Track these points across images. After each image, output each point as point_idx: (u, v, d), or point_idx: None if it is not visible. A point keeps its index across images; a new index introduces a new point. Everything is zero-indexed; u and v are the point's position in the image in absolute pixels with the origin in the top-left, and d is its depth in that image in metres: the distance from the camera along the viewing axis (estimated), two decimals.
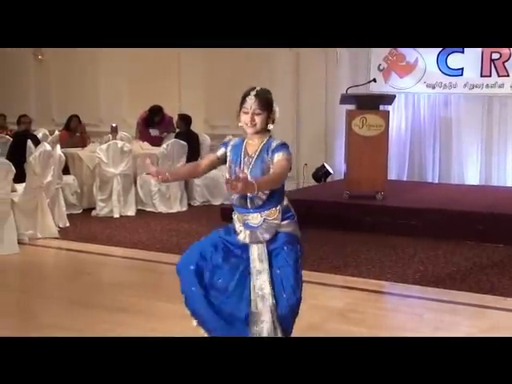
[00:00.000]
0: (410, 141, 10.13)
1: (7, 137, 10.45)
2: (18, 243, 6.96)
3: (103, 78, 12.52)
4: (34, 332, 4.57)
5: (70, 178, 8.91)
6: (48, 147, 7.58)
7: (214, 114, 11.41)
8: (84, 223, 8.31)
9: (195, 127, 10.28)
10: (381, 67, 10.02)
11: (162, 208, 9.19)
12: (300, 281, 3.53)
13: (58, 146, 8.27)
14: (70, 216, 8.27)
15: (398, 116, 10.06)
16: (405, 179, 10.08)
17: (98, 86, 12.63)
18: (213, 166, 3.67)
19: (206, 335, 3.61)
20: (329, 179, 10.19)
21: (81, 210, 9.01)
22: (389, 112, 8.41)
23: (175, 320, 4.54)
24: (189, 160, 9.44)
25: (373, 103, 8.22)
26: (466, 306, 5.17)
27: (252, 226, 3.51)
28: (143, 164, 3.59)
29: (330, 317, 4.86)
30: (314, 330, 4.52)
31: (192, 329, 3.62)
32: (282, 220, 3.52)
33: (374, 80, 9.17)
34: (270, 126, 3.51)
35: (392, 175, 9.76)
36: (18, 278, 6.38)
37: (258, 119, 3.44)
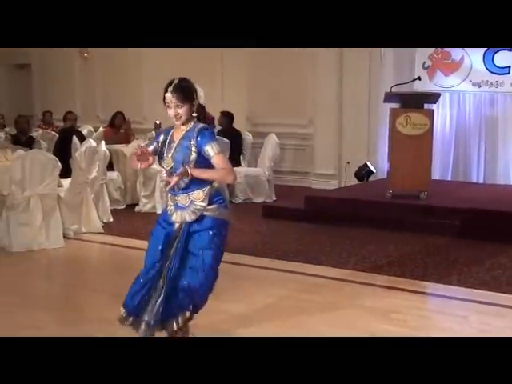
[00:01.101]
0: (454, 140, 10.00)
1: (53, 133, 10.63)
2: (64, 237, 7.07)
3: (147, 76, 12.64)
4: (81, 325, 4.63)
5: (114, 174, 9.01)
6: (93, 143, 7.68)
7: (256, 112, 11.43)
8: (127, 218, 8.40)
9: (237, 125, 10.29)
10: (425, 65, 9.91)
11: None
12: (217, 265, 3.78)
13: (103, 143, 8.36)
14: (113, 211, 8.36)
15: (442, 115, 9.94)
16: (449, 179, 9.96)
17: (142, 83, 12.75)
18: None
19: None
20: (371, 178, 10.12)
21: (124, 206, 9.11)
22: (433, 111, 8.31)
23: (218, 315, 4.57)
24: (231, 157, 9.47)
25: (417, 102, 8.13)
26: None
27: (181, 206, 3.73)
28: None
29: (373, 317, 4.81)
30: (357, 330, 4.48)
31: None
32: (209, 204, 3.71)
33: (419, 78, 9.05)
34: (194, 114, 3.72)
35: (436, 175, 9.65)
36: (64, 272, 6.47)
37: (181, 111, 3.67)
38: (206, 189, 3.70)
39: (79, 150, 7.45)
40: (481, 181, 9.80)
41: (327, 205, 8.35)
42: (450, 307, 5.19)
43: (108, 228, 7.76)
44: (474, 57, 9.51)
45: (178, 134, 3.74)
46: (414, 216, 7.67)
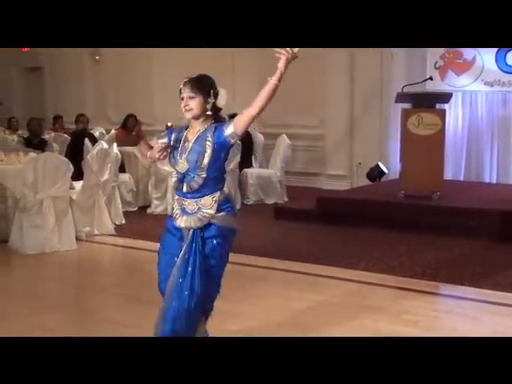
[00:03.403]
0: (466, 140, 9.98)
1: (65, 135, 10.70)
2: (76, 239, 7.11)
3: (157, 77, 12.69)
4: (93, 327, 4.67)
5: (125, 176, 9.05)
6: (105, 145, 7.71)
7: (267, 113, 11.39)
8: (139, 221, 8.43)
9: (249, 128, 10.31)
10: (437, 65, 9.89)
11: None
12: (220, 278, 3.66)
13: (115, 145, 8.40)
14: (125, 213, 8.41)
15: (454, 115, 9.92)
16: (461, 179, 9.94)
17: (153, 85, 12.81)
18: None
19: None
20: (383, 179, 10.11)
21: (136, 208, 9.15)
22: (445, 111, 8.30)
23: (227, 316, 4.59)
24: (243, 159, 9.50)
25: (429, 102, 8.12)
26: None
27: (188, 211, 3.57)
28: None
29: (383, 318, 4.81)
30: (367, 330, 4.49)
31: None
32: (218, 211, 3.55)
33: (431, 78, 9.03)
34: (209, 112, 3.55)
35: (448, 175, 9.63)
36: (76, 274, 6.51)
37: (192, 103, 3.50)
38: (216, 195, 3.55)
39: (91, 153, 7.49)
40: (493, 181, 9.77)
41: (339, 206, 8.35)
42: (461, 308, 5.19)
43: (120, 230, 7.81)
44: (485, 56, 9.49)
45: (192, 135, 3.56)
46: (426, 217, 7.65)
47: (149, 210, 8.99)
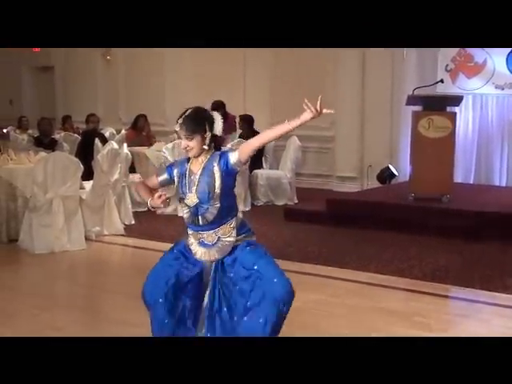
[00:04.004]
0: (477, 143, 9.93)
1: (76, 135, 10.71)
2: (86, 239, 7.11)
3: (169, 78, 12.69)
4: (101, 326, 4.66)
5: (135, 176, 9.03)
6: (115, 146, 7.72)
7: (279, 115, 11.37)
8: (149, 221, 8.42)
9: (259, 127, 10.28)
10: (448, 68, 9.84)
11: None
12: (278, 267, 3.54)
13: (125, 145, 8.41)
14: (135, 214, 8.39)
15: (465, 118, 9.87)
16: (471, 182, 9.88)
17: (164, 86, 12.81)
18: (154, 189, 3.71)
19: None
20: (393, 181, 10.07)
21: (146, 208, 9.08)
22: (456, 113, 8.26)
23: None
24: (253, 160, 9.46)
25: (440, 104, 8.08)
26: None
27: (206, 244, 3.53)
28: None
29: (394, 320, 4.78)
30: (379, 332, 4.46)
31: None
32: (238, 235, 3.53)
33: (442, 81, 8.97)
34: (205, 147, 3.49)
35: (458, 178, 9.58)
36: (86, 274, 6.51)
37: (191, 144, 3.47)
38: (233, 222, 3.53)
39: (101, 153, 7.49)
40: (503, 184, 9.71)
41: (349, 208, 8.31)
42: (473, 310, 5.14)
43: (129, 230, 7.79)
44: (496, 59, 9.43)
45: (196, 167, 3.53)
46: (437, 219, 7.61)
47: (159, 211, 8.97)
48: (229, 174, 3.50)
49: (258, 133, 10.82)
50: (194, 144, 3.47)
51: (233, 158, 3.47)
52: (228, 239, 3.51)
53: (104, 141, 8.71)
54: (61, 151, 8.24)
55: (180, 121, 3.48)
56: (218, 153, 3.53)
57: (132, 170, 8.98)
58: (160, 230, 7.92)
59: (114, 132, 11.43)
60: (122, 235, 7.57)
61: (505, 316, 4.94)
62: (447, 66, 9.85)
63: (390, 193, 9.06)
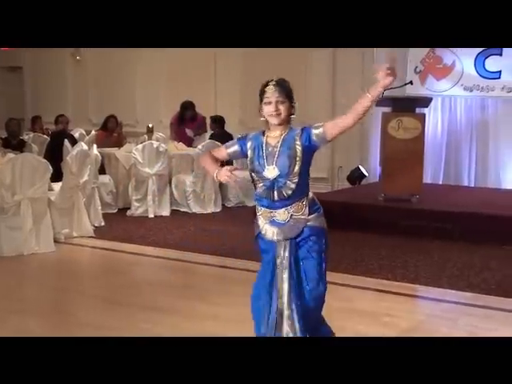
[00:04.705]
0: (446, 144, 10.05)
1: (45, 136, 10.61)
2: (54, 242, 7.04)
3: (140, 78, 12.64)
4: (71, 330, 4.63)
5: (105, 178, 9.00)
6: (85, 147, 7.67)
7: (249, 115, 11.41)
8: (119, 223, 8.38)
9: (230, 128, 10.30)
10: (417, 69, 9.94)
11: (196, 208, 9.23)
12: (324, 273, 3.49)
13: (95, 146, 8.37)
14: (105, 215, 8.34)
15: (434, 119, 9.98)
16: (440, 182, 10.00)
17: (135, 86, 12.75)
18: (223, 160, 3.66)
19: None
20: (363, 182, 10.15)
21: (116, 210, 9.09)
22: (425, 115, 8.36)
23: (207, 320, 4.57)
24: (223, 161, 9.47)
25: (409, 106, 8.17)
26: (502, 312, 5.10)
27: (279, 222, 3.45)
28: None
29: (363, 320, 4.82)
30: (348, 332, 4.48)
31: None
32: (309, 214, 3.45)
33: (411, 82, 9.05)
34: (293, 116, 3.45)
35: (428, 178, 9.69)
36: (55, 277, 6.45)
37: (282, 107, 3.39)
38: (305, 199, 3.45)
39: (71, 154, 7.44)
40: (472, 184, 9.84)
41: None
42: (440, 310, 5.21)
43: (99, 232, 7.74)
44: (465, 61, 9.55)
45: (274, 140, 3.43)
46: (406, 219, 7.68)
47: (129, 212, 8.94)
48: (309, 150, 3.42)
49: (230, 134, 10.70)
50: (284, 108, 3.38)
51: (317, 132, 3.39)
52: (300, 217, 3.43)
53: (73, 142, 8.64)
54: (29, 152, 8.16)
55: (273, 82, 3.39)
56: (301, 127, 3.44)
57: (102, 171, 8.92)
58: (130, 231, 7.89)
59: (84, 133, 11.33)
60: (92, 237, 7.52)
61: (471, 315, 5.01)
62: (416, 67, 9.95)
63: (360, 193, 9.13)
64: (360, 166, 10.18)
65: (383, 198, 8.09)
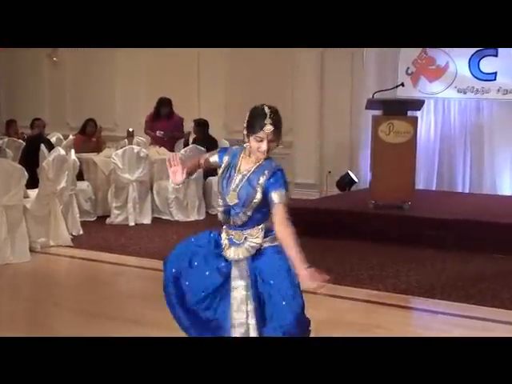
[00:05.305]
0: (439, 148, 10.09)
1: (20, 141, 10.56)
2: (30, 251, 7.02)
3: (119, 80, 12.62)
4: None
5: (84, 184, 8.97)
6: (62, 152, 7.65)
7: (234, 118, 11.42)
8: (98, 231, 8.36)
9: (214, 132, 10.30)
10: (409, 71, 9.99)
11: (178, 216, 9.22)
12: (298, 287, 3.53)
13: (73, 151, 8.34)
14: (83, 223, 8.31)
15: (426, 122, 10.03)
16: (433, 189, 10.03)
17: (114, 88, 12.73)
18: (204, 168, 3.79)
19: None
20: (353, 188, 10.18)
21: (95, 218, 9.06)
22: (417, 118, 8.38)
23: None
24: (208, 168, 9.47)
25: (400, 109, 8.19)
26: (498, 324, 5.12)
27: (235, 242, 3.56)
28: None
29: (354, 332, 4.82)
30: None
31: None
32: (265, 237, 3.54)
33: (402, 84, 9.11)
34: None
35: (420, 184, 9.73)
36: (30, 287, 6.42)
37: (271, 145, 3.45)
38: (262, 225, 3.54)
39: (47, 159, 7.42)
40: (466, 190, 9.89)
41: (307, 215, 8.35)
42: (434, 322, 5.23)
43: (77, 241, 7.72)
44: (459, 63, 9.60)
45: (247, 165, 3.50)
46: (398, 227, 7.71)
47: (108, 220, 8.91)
48: (266, 195, 3.45)
49: (214, 138, 10.71)
50: (272, 146, 3.45)
51: (272, 197, 3.41)
52: (255, 240, 3.52)
53: (50, 147, 8.60)
54: (4, 158, 8.12)
55: (270, 121, 3.41)
56: (274, 164, 3.49)
57: (80, 177, 8.89)
58: (110, 240, 7.87)
59: (61, 137, 11.28)
60: (70, 246, 7.49)
61: (466, 327, 5.03)
62: (408, 69, 10.00)
63: (349, 200, 9.16)
64: (350, 172, 10.21)
65: (373, 204, 8.11)
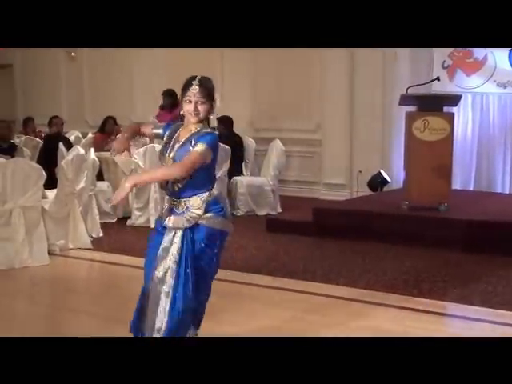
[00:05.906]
0: (477, 146, 10.02)
1: (38, 139, 10.67)
2: (49, 254, 7.08)
3: (139, 77, 12.70)
4: None
5: (104, 185, 9.03)
6: (81, 151, 7.70)
7: (259, 117, 11.46)
8: (119, 233, 8.41)
9: (239, 130, 10.31)
10: (445, 64, 9.94)
11: None
12: (207, 285, 3.93)
13: (92, 150, 8.39)
14: (103, 225, 8.38)
15: (464, 119, 9.97)
16: (471, 189, 9.97)
17: (134, 85, 12.81)
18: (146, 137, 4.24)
19: None
20: (386, 188, 10.13)
21: (115, 219, 9.12)
22: (454, 114, 8.33)
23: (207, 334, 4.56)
24: (232, 166, 9.51)
25: (436, 104, 8.14)
26: None
27: (176, 211, 3.80)
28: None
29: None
30: None
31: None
32: (206, 212, 3.76)
33: (438, 78, 9.05)
34: (211, 116, 3.81)
35: (457, 184, 9.68)
36: (48, 292, 6.48)
37: (201, 108, 3.74)
38: (204, 196, 3.77)
39: (66, 158, 7.47)
40: (506, 191, 9.82)
41: (337, 217, 8.36)
42: (472, 330, 5.18)
43: (97, 243, 7.77)
44: (498, 55, 9.54)
45: (184, 134, 3.80)
46: (433, 229, 7.67)
47: (129, 222, 8.97)
48: None
49: (238, 135, 10.82)
50: (202, 109, 3.74)
51: (194, 146, 3.69)
52: (196, 211, 3.76)
53: (69, 145, 8.69)
54: (21, 157, 8.21)
55: (196, 82, 3.72)
56: (206, 129, 3.77)
57: (100, 177, 8.96)
58: (131, 243, 7.91)
59: (80, 136, 11.40)
60: (89, 249, 7.55)
61: (506, 334, 4.98)
62: (444, 62, 9.95)
63: (381, 201, 9.12)
64: (382, 171, 10.17)
65: (407, 206, 8.08)
